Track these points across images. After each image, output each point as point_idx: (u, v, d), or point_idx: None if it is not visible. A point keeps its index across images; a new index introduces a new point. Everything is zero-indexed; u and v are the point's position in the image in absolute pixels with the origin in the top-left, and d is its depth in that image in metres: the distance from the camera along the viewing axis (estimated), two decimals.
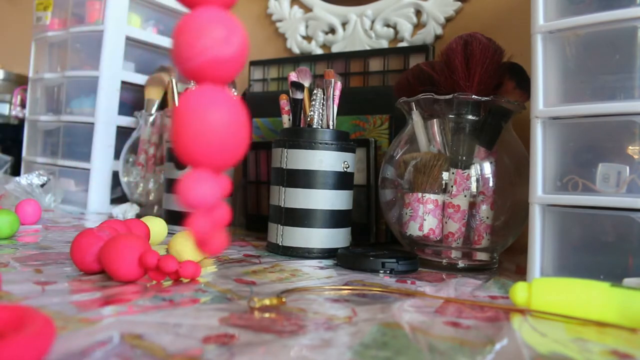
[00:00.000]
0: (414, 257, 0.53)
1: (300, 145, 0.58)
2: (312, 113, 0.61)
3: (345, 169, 0.59)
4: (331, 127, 0.61)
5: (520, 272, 0.55)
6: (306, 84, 0.63)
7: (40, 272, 0.42)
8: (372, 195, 0.70)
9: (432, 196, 0.55)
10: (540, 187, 0.47)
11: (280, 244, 0.58)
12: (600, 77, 0.45)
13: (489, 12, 0.76)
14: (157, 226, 0.58)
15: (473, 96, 0.53)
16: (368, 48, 0.85)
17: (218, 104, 0.25)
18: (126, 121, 0.95)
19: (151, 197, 0.87)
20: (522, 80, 0.56)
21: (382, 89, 0.78)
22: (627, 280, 0.41)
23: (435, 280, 0.49)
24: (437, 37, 0.80)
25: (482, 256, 0.57)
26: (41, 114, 1.02)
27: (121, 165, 0.89)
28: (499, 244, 0.57)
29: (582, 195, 0.44)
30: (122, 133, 0.94)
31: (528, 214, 0.48)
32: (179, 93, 0.79)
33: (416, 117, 0.58)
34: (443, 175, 0.55)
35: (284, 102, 0.65)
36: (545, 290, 0.37)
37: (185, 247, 0.48)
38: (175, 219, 0.70)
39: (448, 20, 0.79)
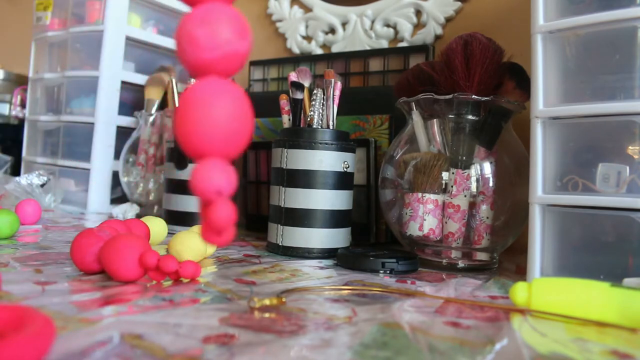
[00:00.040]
0: (414, 257, 0.53)
1: (300, 145, 0.58)
2: (312, 113, 0.61)
3: (345, 169, 0.59)
4: (331, 127, 0.61)
5: (520, 272, 0.55)
6: (306, 84, 0.63)
7: (40, 272, 0.42)
8: (372, 195, 0.70)
9: (432, 196, 0.55)
10: (540, 187, 0.47)
11: (280, 244, 0.58)
12: (600, 77, 0.45)
13: (489, 12, 0.76)
14: (157, 226, 0.58)
15: (473, 96, 0.53)
16: (368, 48, 0.85)
17: (226, 93, 0.26)
18: (126, 121, 0.95)
19: (151, 197, 0.87)
20: (522, 80, 0.56)
21: (382, 89, 0.78)
22: (627, 280, 0.41)
23: (435, 280, 0.49)
24: (437, 37, 0.80)
25: (482, 256, 0.57)
26: (41, 114, 1.02)
27: (121, 165, 0.89)
28: (499, 244, 0.57)
29: (582, 195, 0.44)
30: (122, 133, 0.94)
31: (528, 214, 0.48)
32: (179, 93, 0.79)
33: (416, 117, 0.58)
34: (443, 175, 0.55)
35: (284, 102, 0.65)
36: (545, 290, 0.37)
37: (185, 247, 0.48)
38: (175, 219, 0.70)
39: (448, 20, 0.79)
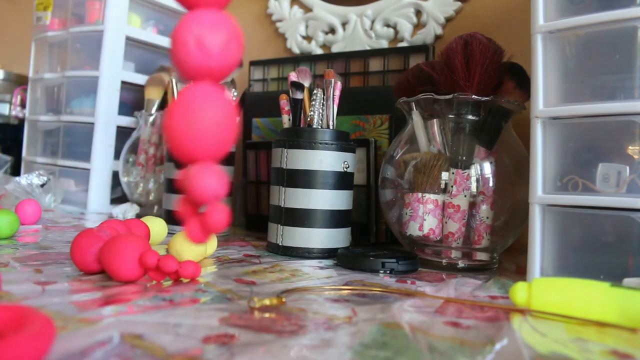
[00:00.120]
0: (414, 257, 0.53)
1: (300, 145, 0.58)
2: (312, 113, 0.61)
3: (345, 169, 0.59)
4: (331, 127, 0.61)
5: (520, 272, 0.55)
6: (306, 84, 0.63)
7: (40, 272, 0.42)
8: (372, 195, 0.70)
9: (432, 196, 0.55)
10: (540, 187, 0.47)
11: (280, 244, 0.58)
12: (600, 77, 0.45)
13: (489, 12, 0.76)
14: (157, 226, 0.58)
15: (473, 96, 0.53)
16: (368, 48, 0.85)
17: (216, 99, 0.26)
18: (126, 121, 0.95)
19: (151, 197, 0.87)
20: (522, 80, 0.56)
21: (382, 89, 0.78)
22: (627, 280, 0.41)
23: (435, 280, 0.49)
24: (437, 37, 0.80)
25: (482, 256, 0.57)
26: (41, 114, 1.02)
27: (121, 165, 0.89)
28: (499, 244, 0.57)
29: (582, 195, 0.44)
30: (122, 133, 0.94)
31: (528, 214, 0.48)
32: (179, 93, 0.79)
33: (416, 117, 0.58)
34: (443, 175, 0.55)
35: (284, 102, 0.65)
36: (545, 290, 0.37)
37: (185, 247, 0.48)
38: (175, 219, 0.70)
39: (448, 20, 0.79)
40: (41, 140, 1.04)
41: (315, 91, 0.61)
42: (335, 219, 0.58)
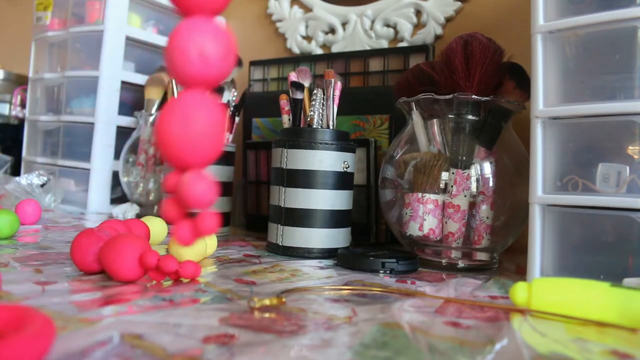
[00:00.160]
0: (414, 257, 0.53)
1: (300, 145, 0.58)
2: (312, 113, 0.61)
3: (345, 169, 0.59)
4: (331, 127, 0.61)
5: (520, 272, 0.55)
6: (306, 84, 0.63)
7: (40, 272, 0.42)
8: (372, 195, 0.70)
9: (432, 196, 0.55)
10: (540, 187, 0.47)
11: (280, 244, 0.58)
12: (600, 77, 0.45)
13: (489, 12, 0.76)
14: (157, 226, 0.58)
15: (473, 96, 0.53)
16: (368, 48, 0.85)
17: (206, 106, 0.27)
18: (126, 121, 0.95)
19: (151, 197, 0.87)
20: (522, 80, 0.56)
21: (382, 89, 0.78)
22: (627, 280, 0.41)
23: (435, 280, 0.49)
24: (437, 37, 0.80)
25: (482, 256, 0.57)
26: (41, 114, 1.02)
27: (121, 165, 0.89)
28: (499, 244, 0.57)
29: (582, 195, 0.44)
30: (122, 133, 0.94)
31: (528, 214, 0.48)
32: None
33: (416, 117, 0.58)
34: (443, 175, 0.55)
35: (284, 102, 0.65)
36: (545, 290, 0.37)
37: (185, 247, 0.48)
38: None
39: (448, 20, 0.79)
40: (41, 140, 1.04)
41: (315, 91, 0.61)
42: (335, 219, 0.58)
